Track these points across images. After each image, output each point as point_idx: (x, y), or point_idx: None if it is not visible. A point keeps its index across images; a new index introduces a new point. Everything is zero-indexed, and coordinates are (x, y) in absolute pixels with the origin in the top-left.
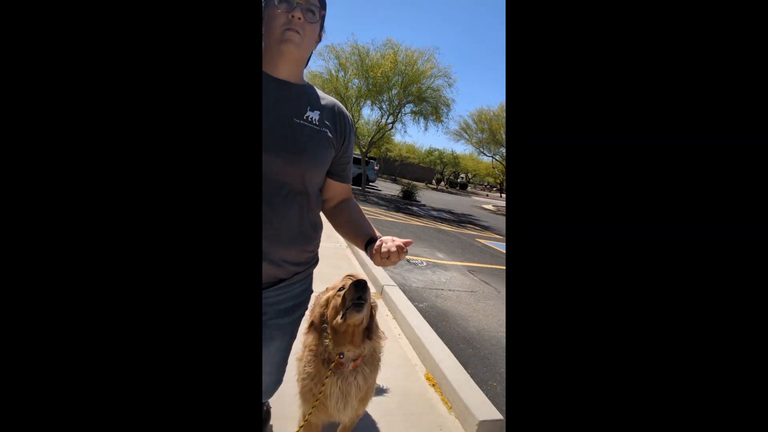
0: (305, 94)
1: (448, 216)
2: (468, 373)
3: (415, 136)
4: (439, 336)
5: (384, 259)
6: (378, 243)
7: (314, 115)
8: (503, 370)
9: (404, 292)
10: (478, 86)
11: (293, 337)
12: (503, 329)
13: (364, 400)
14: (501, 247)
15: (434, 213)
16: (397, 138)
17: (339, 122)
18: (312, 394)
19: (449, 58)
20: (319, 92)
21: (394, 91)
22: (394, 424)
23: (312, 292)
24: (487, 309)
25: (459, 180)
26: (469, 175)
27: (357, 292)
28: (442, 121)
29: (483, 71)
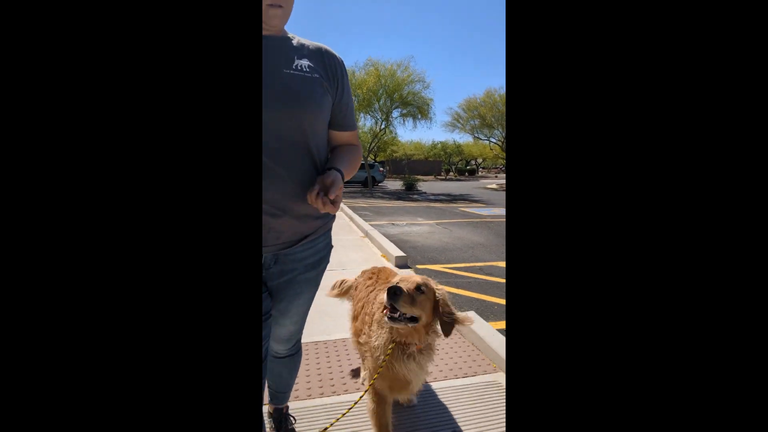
0: (290, 44)
1: (444, 197)
2: (407, 256)
3: (413, 135)
4: (399, 249)
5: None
6: (314, 187)
7: (303, 63)
8: (431, 255)
9: (384, 236)
10: (463, 75)
11: (317, 287)
12: (439, 245)
13: (415, 387)
14: (479, 211)
15: (431, 197)
16: (404, 138)
17: (329, 65)
18: (377, 362)
19: (428, 57)
20: (302, 39)
21: (381, 101)
22: None
23: (332, 246)
24: (433, 237)
25: (468, 167)
26: (478, 161)
27: (389, 300)
28: (429, 118)
29: (468, 60)
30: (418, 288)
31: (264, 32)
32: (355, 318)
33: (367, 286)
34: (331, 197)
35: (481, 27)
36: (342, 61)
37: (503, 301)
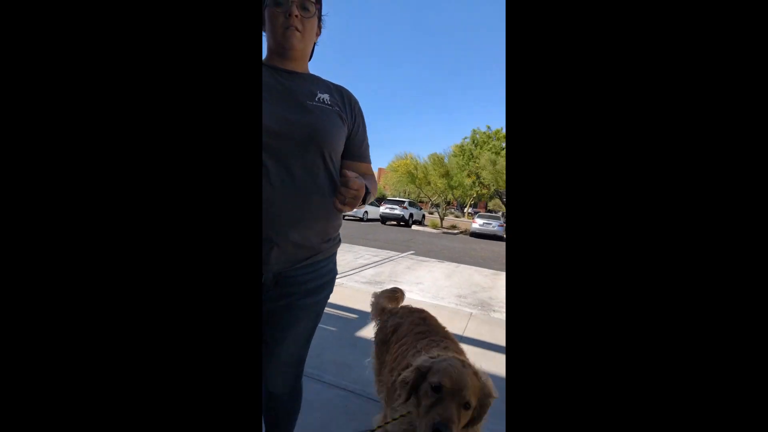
0: (314, 81)
1: None
2: None
3: None
4: None
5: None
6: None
7: (325, 97)
8: None
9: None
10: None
11: (318, 318)
12: None
13: None
14: None
15: None
16: None
17: (347, 102)
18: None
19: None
20: (325, 79)
21: None
22: None
23: (337, 273)
24: None
25: None
26: None
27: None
28: None
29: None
30: (467, 404)
31: (291, 65)
32: (392, 359)
33: (416, 333)
34: (351, 191)
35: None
36: (358, 103)
37: None
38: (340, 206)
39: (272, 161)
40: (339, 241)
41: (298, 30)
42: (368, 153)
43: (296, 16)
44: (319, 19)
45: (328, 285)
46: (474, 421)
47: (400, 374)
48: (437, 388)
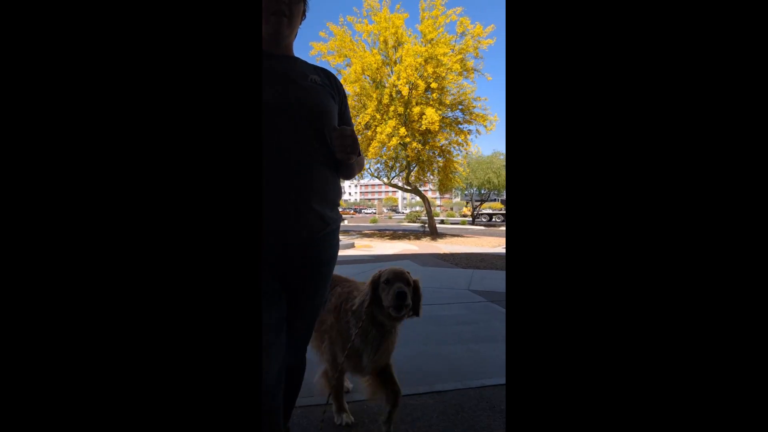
0: (301, 63)
1: None
2: None
3: None
4: None
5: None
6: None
7: (315, 77)
8: None
9: None
10: None
11: (329, 285)
12: None
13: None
14: None
15: None
16: None
17: (333, 82)
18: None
19: None
20: (307, 62)
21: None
22: None
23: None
24: None
25: None
26: None
27: (398, 301)
28: None
29: None
30: (408, 283)
31: (279, 49)
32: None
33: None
34: (348, 137)
35: None
36: (341, 83)
37: None
38: (344, 155)
39: (282, 136)
40: (341, 218)
41: (285, 15)
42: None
43: (284, 1)
44: (305, 3)
45: (336, 255)
46: (417, 303)
47: (349, 310)
48: (388, 281)
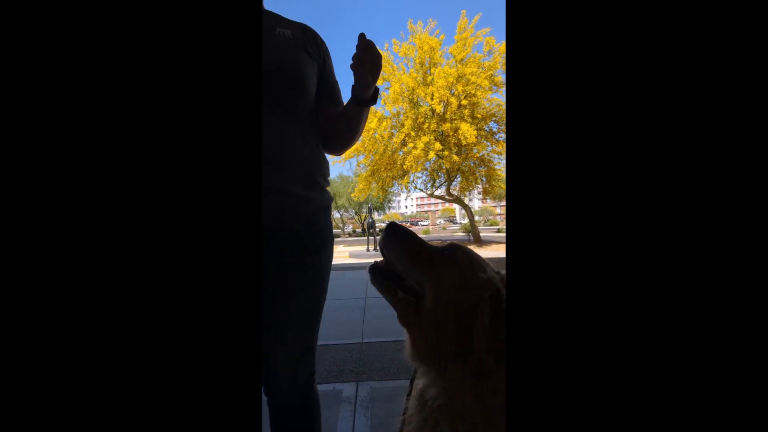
0: (270, 16)
1: None
2: None
3: None
4: None
5: (363, 66)
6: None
7: (286, 32)
8: None
9: None
10: None
11: (322, 289)
12: None
13: None
14: None
15: None
16: None
17: (312, 40)
18: None
19: None
20: (285, 17)
21: None
22: None
23: (333, 231)
24: None
25: None
26: None
27: None
28: None
29: None
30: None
31: None
32: None
33: None
34: (373, 51)
35: None
36: (324, 41)
37: None
38: (364, 74)
39: None
40: (331, 198)
41: None
42: (341, 98)
43: None
44: None
45: (327, 245)
46: None
47: None
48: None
